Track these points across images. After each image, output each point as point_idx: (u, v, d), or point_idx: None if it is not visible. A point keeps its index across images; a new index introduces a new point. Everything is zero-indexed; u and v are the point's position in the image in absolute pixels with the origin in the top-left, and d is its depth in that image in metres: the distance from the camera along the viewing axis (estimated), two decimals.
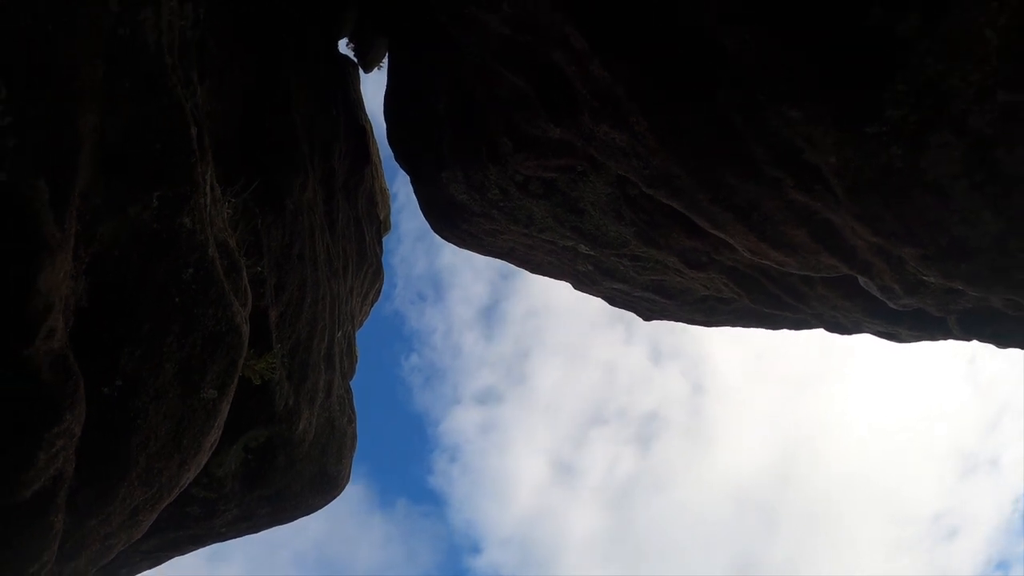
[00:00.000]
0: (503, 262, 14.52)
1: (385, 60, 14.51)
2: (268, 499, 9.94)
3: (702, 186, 7.04)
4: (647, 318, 14.10)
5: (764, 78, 5.82)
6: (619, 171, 8.12)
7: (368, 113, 14.76)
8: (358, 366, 13.70)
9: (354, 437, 12.21)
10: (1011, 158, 5.66)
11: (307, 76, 10.11)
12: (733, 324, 12.80)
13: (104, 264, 4.93)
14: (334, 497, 11.84)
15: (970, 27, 5.10)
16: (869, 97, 5.48)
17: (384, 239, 16.01)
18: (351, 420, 12.08)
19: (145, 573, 10.07)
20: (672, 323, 14.20)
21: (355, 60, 14.40)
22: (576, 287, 14.24)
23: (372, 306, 16.08)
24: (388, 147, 13.55)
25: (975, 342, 9.28)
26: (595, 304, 14.80)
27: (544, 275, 14.43)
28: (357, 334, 14.09)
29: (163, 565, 10.20)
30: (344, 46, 14.10)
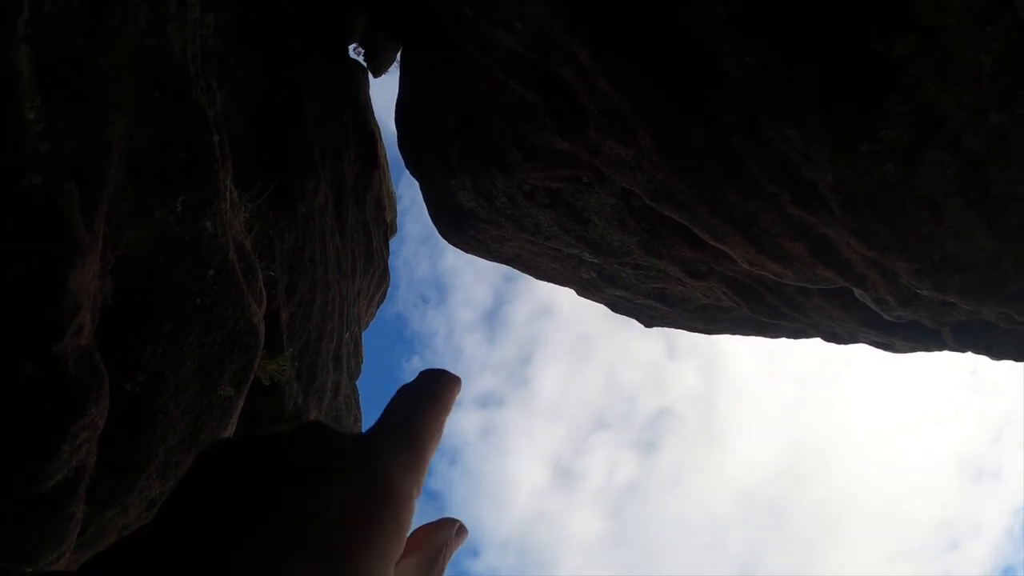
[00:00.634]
0: (507, 266, 14.68)
1: (394, 65, 14.70)
2: None
3: (703, 200, 7.23)
4: (648, 324, 14.26)
5: (764, 98, 6.02)
6: (624, 184, 8.30)
7: (375, 115, 14.93)
8: (362, 366, 13.89)
9: None
10: (1003, 177, 5.85)
11: (318, 81, 10.30)
12: (732, 332, 12.94)
13: (129, 265, 5.13)
14: None
15: (964, 51, 5.30)
16: (865, 117, 5.67)
17: (390, 241, 16.19)
18: (357, 419, 12.26)
19: None
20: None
21: (364, 65, 14.59)
22: (580, 293, 14.41)
23: (378, 308, 16.27)
24: (393, 149, 13.73)
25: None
26: (598, 308, 14.94)
27: (549, 281, 14.60)
28: (362, 336, 14.26)
29: None
30: (353, 51, 14.29)
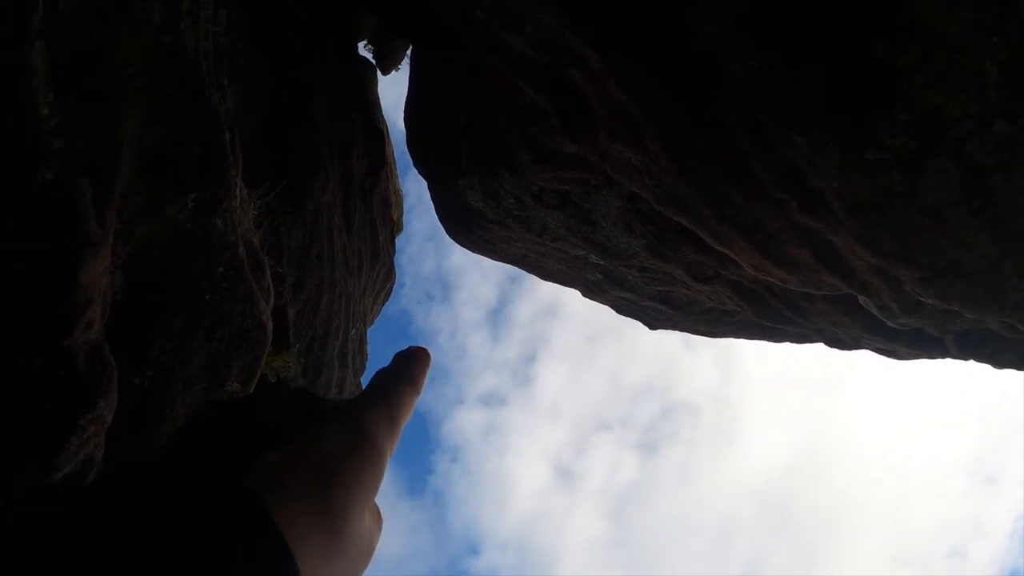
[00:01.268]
0: (512, 266, 14.72)
1: (403, 63, 14.74)
2: None
3: (709, 205, 7.26)
4: (653, 327, 14.29)
5: (771, 103, 6.05)
6: (631, 187, 8.34)
7: (384, 112, 14.98)
8: (367, 363, 13.95)
9: None
10: (1007, 186, 5.88)
11: (327, 79, 10.35)
12: (736, 335, 12.96)
13: (140, 261, 5.18)
14: None
15: (970, 60, 5.33)
16: (871, 125, 5.70)
17: (395, 239, 16.24)
18: None
19: None
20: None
21: (373, 63, 14.64)
22: (585, 295, 14.44)
23: (383, 305, 16.32)
24: (401, 147, 13.79)
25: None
26: (602, 310, 14.97)
27: (554, 282, 14.64)
28: (367, 333, 14.32)
29: None
30: (362, 48, 14.34)
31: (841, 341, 10.90)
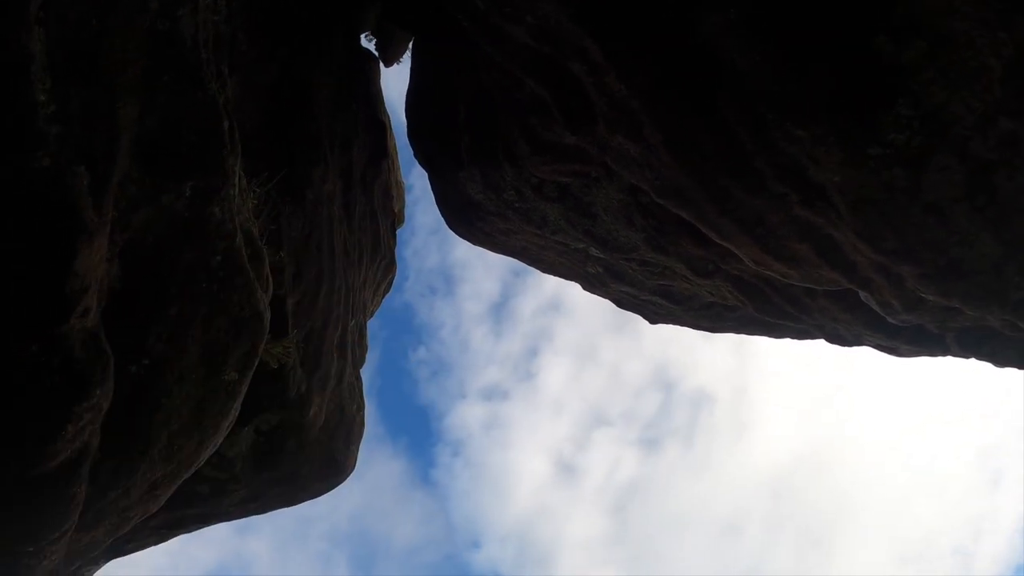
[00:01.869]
0: (515, 259, 14.72)
1: (406, 55, 14.70)
2: (276, 481, 10.16)
3: (710, 199, 7.24)
4: (653, 321, 14.27)
5: (773, 98, 6.03)
6: (631, 180, 8.32)
7: (386, 104, 14.95)
8: (367, 355, 13.95)
9: (362, 424, 12.44)
10: (1011, 184, 5.85)
11: (329, 70, 10.32)
12: (737, 331, 12.94)
13: (137, 249, 5.17)
14: (340, 482, 12.06)
15: (974, 56, 5.29)
16: (873, 120, 5.68)
17: (397, 231, 16.21)
18: (360, 408, 12.31)
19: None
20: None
21: (375, 54, 14.59)
22: (585, 288, 14.42)
23: (383, 297, 16.29)
24: (403, 139, 13.76)
25: None
26: (606, 305, 14.96)
27: (555, 275, 14.62)
28: (367, 325, 14.31)
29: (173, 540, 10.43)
30: (365, 39, 14.29)
31: (842, 337, 10.88)
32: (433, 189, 13.55)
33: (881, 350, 10.78)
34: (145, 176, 5.06)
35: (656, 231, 9.78)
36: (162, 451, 5.97)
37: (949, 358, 9.80)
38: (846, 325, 10.01)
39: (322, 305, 9.55)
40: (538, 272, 14.85)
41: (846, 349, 11.41)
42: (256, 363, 6.75)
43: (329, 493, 12.38)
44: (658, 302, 13.04)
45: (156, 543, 10.27)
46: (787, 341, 12.56)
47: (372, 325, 15.43)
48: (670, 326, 14.55)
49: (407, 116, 13.22)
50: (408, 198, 17.80)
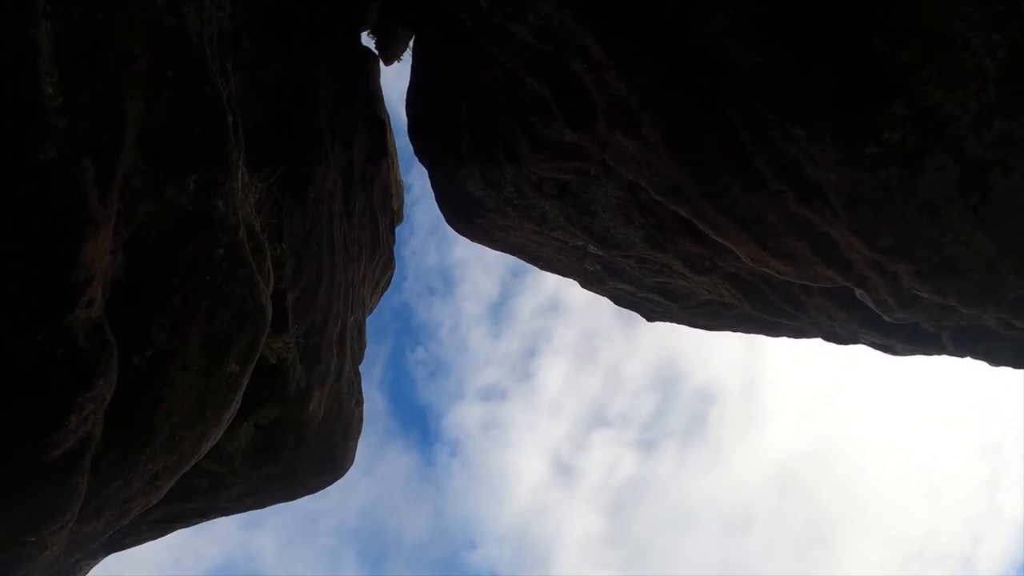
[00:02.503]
0: (515, 259, 14.77)
1: (406, 54, 14.74)
2: (275, 476, 10.21)
3: (708, 196, 7.30)
4: (651, 319, 14.32)
5: (771, 97, 6.09)
6: (630, 177, 8.37)
7: (386, 103, 14.99)
8: (366, 353, 13.99)
9: (361, 420, 12.49)
10: (1006, 183, 5.91)
11: (330, 68, 10.37)
12: (735, 329, 13.00)
13: (141, 241, 5.21)
14: (338, 477, 12.11)
15: (970, 57, 5.35)
16: (869, 120, 5.74)
17: (396, 229, 16.26)
18: (359, 403, 12.36)
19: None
20: None
21: (376, 53, 14.63)
22: (583, 285, 14.47)
23: (382, 295, 16.35)
24: (402, 138, 13.81)
25: None
26: (605, 306, 15.00)
27: (553, 272, 14.67)
28: (366, 322, 14.36)
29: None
30: (365, 37, 14.33)
31: (838, 335, 10.94)
32: (433, 186, 13.60)
33: (877, 348, 10.83)
34: (150, 169, 5.10)
35: (654, 228, 9.84)
36: (164, 442, 6.02)
37: (949, 358, 9.85)
38: (842, 323, 10.07)
39: (322, 301, 9.60)
40: (537, 272, 14.98)
41: (847, 349, 11.47)
42: (257, 356, 6.79)
43: (329, 490, 12.46)
44: (656, 299, 13.09)
45: (154, 537, 10.31)
46: (788, 341, 12.62)
47: (372, 324, 15.49)
48: (668, 326, 14.63)
49: (408, 114, 13.27)
50: (407, 197, 17.85)
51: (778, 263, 7.80)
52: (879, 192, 6.14)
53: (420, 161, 13.49)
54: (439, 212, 14.06)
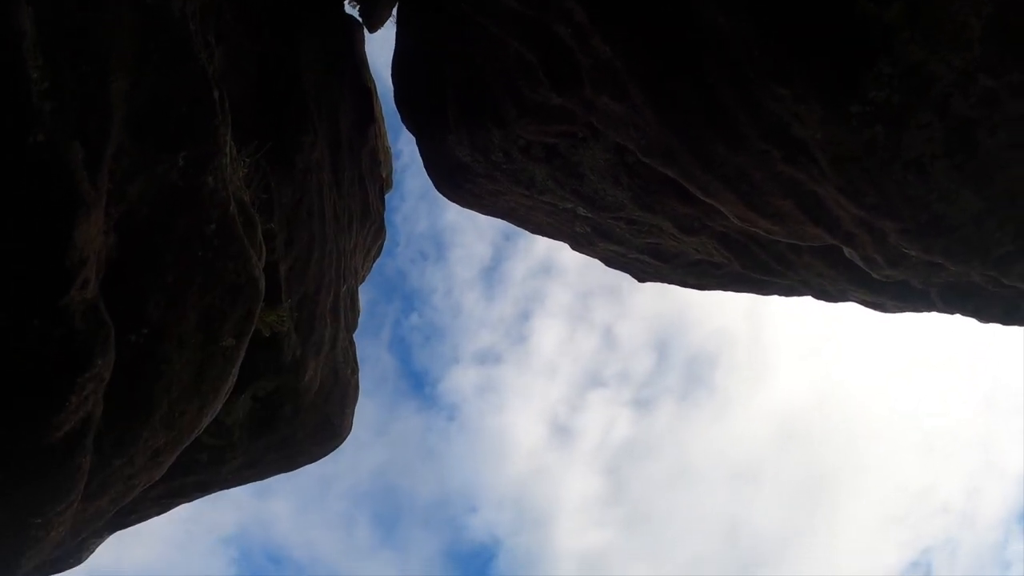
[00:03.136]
0: (506, 223, 14.78)
1: (390, 21, 14.61)
2: (274, 447, 10.29)
3: (694, 156, 7.32)
4: (642, 279, 14.38)
5: (755, 56, 6.09)
6: (617, 139, 8.39)
7: (372, 71, 14.89)
8: (360, 321, 14.04)
9: (357, 388, 12.57)
10: (992, 141, 5.95)
11: (314, 37, 10.30)
12: (725, 288, 13.06)
13: (133, 220, 5.23)
14: (336, 446, 12.21)
15: (955, 15, 5.36)
16: (854, 78, 5.76)
17: (386, 196, 16.23)
18: (354, 371, 12.43)
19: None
20: None
21: (359, 20, 14.50)
22: (574, 248, 14.51)
23: (374, 262, 16.36)
24: (390, 104, 13.75)
25: None
26: (598, 268, 15.02)
27: (543, 235, 14.70)
28: (359, 289, 14.39)
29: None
30: (348, 5, 14.19)
31: (828, 293, 11.02)
32: (421, 153, 13.58)
33: (867, 306, 10.93)
34: (139, 148, 5.10)
35: (642, 189, 9.87)
36: (164, 418, 6.08)
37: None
38: (831, 281, 10.14)
39: (314, 270, 9.62)
40: (529, 235, 14.93)
41: (844, 304, 11.54)
42: (253, 328, 6.83)
43: (338, 457, 12.56)
44: (646, 260, 13.14)
45: (158, 513, 10.41)
46: (782, 301, 12.70)
47: (365, 291, 15.52)
48: (663, 287, 14.69)
49: (393, 81, 13.20)
50: (397, 164, 17.78)
51: (766, 222, 7.84)
52: (865, 150, 6.18)
53: (407, 128, 13.45)
54: (427, 177, 14.07)
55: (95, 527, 7.22)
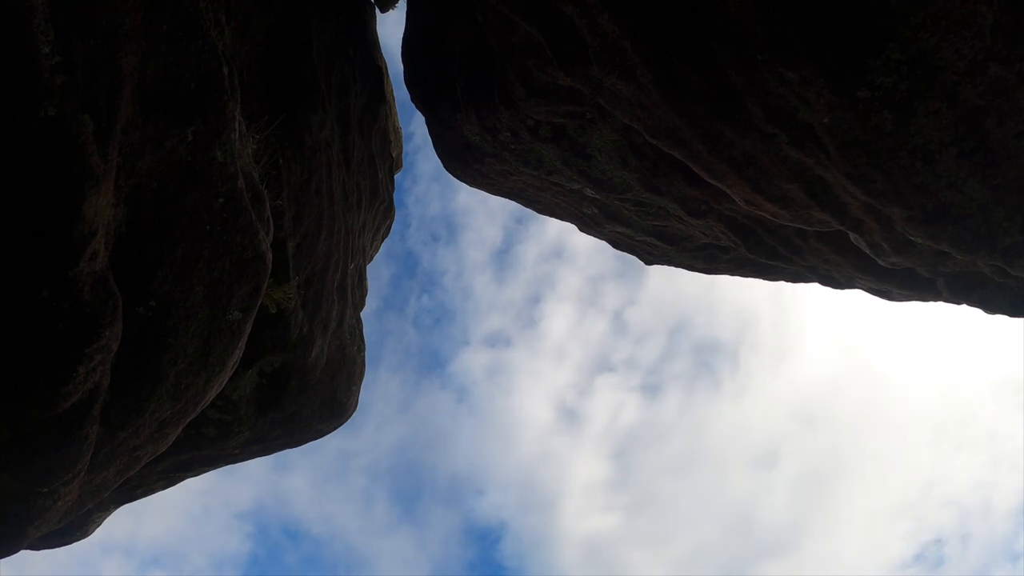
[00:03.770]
0: (518, 206, 14.80)
1: (401, 1, 14.59)
2: (279, 423, 10.36)
3: (701, 138, 7.32)
4: (649, 262, 14.40)
5: (763, 39, 6.08)
6: (625, 120, 8.37)
7: (384, 51, 14.89)
8: (368, 300, 14.10)
9: (363, 365, 12.63)
10: (1001, 130, 5.94)
11: (326, 16, 10.30)
12: (731, 273, 13.07)
13: (142, 194, 5.27)
14: (342, 423, 12.27)
15: (965, 2, 5.34)
16: (862, 63, 5.75)
17: (396, 177, 16.25)
18: (360, 349, 12.48)
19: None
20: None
21: (371, 1, 14.50)
22: (582, 229, 14.53)
23: (383, 241, 16.40)
24: (402, 88, 13.75)
25: None
26: (609, 252, 15.05)
27: (551, 216, 14.72)
28: (368, 269, 14.43)
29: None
30: None
31: (834, 280, 11.02)
32: (431, 133, 13.59)
33: (873, 293, 10.93)
34: (148, 122, 5.14)
35: (650, 171, 9.87)
36: (170, 390, 6.14)
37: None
38: (838, 268, 10.14)
39: (322, 248, 9.66)
40: (540, 219, 15.07)
41: (851, 296, 11.52)
42: (259, 303, 6.88)
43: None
44: (653, 243, 13.15)
45: (164, 487, 10.52)
46: (792, 290, 12.70)
47: (375, 271, 15.56)
48: (673, 272, 14.72)
49: (404, 61, 13.21)
50: (408, 146, 17.79)
51: (773, 206, 7.84)
52: (872, 136, 6.17)
53: (417, 107, 13.46)
54: (437, 156, 14.09)
55: (101, 498, 7.30)
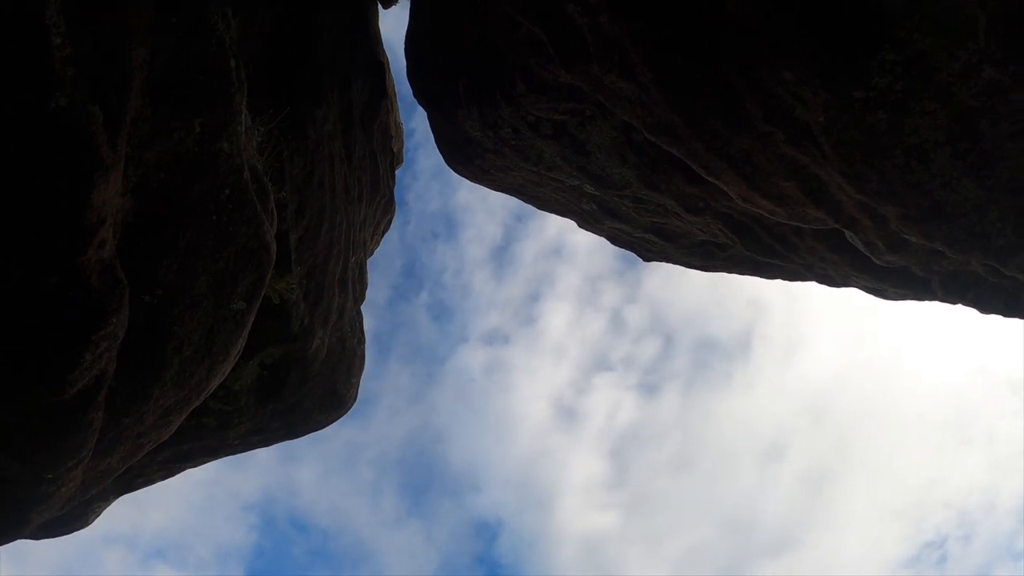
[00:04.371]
0: (518, 203, 14.84)
1: None
2: (280, 414, 10.45)
3: (699, 135, 7.39)
4: (647, 259, 14.45)
5: (761, 39, 6.17)
6: (624, 117, 8.44)
7: (386, 47, 14.94)
8: (370, 293, 14.18)
9: (363, 358, 12.72)
10: (994, 131, 6.03)
11: (330, 11, 10.37)
12: (728, 270, 13.13)
13: (150, 183, 5.37)
14: (341, 415, 12.37)
15: (960, 5, 5.43)
16: (858, 64, 5.84)
17: (397, 172, 16.31)
18: (360, 341, 12.57)
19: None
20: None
21: None
22: (581, 225, 14.59)
23: (383, 236, 16.47)
24: (404, 84, 13.80)
25: None
26: (608, 250, 15.09)
27: (551, 211, 14.78)
28: (368, 264, 14.51)
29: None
30: None
31: (830, 278, 11.09)
32: (432, 128, 13.66)
33: (869, 292, 11.00)
34: (157, 114, 5.23)
35: (648, 168, 9.95)
36: (174, 377, 6.24)
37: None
38: (834, 266, 10.22)
39: (324, 241, 9.75)
40: (540, 216, 15.13)
41: (849, 294, 11.59)
42: (263, 293, 6.98)
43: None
44: (651, 239, 13.21)
45: (164, 478, 10.60)
46: (790, 289, 12.78)
47: (375, 268, 15.62)
48: (672, 270, 14.76)
49: (407, 57, 13.27)
50: (409, 142, 17.86)
51: (769, 203, 7.92)
52: (867, 135, 6.26)
53: (419, 103, 13.52)
54: (438, 150, 14.17)
55: (103, 486, 7.39)
